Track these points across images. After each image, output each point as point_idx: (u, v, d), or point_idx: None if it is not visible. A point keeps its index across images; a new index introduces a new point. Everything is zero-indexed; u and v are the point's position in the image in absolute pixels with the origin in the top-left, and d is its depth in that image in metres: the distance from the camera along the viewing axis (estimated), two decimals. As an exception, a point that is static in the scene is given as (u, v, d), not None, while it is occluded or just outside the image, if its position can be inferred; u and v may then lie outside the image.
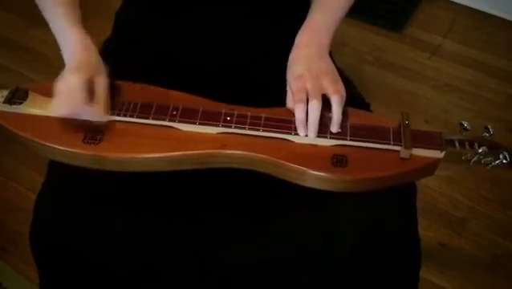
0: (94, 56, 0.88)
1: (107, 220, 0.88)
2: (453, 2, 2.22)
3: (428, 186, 1.58)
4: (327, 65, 0.88)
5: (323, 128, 0.84)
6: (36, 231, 0.91)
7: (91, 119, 0.83)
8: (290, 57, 0.89)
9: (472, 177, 1.62)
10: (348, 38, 2.03)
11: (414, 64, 1.99)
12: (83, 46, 0.88)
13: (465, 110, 1.84)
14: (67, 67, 0.85)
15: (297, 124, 0.83)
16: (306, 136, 0.83)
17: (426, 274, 1.37)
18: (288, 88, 0.88)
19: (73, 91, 0.81)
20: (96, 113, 0.83)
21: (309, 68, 0.85)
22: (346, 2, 0.95)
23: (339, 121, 0.83)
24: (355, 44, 2.03)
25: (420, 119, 1.78)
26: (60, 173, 0.89)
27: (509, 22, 2.15)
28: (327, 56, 0.90)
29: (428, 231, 1.50)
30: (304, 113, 0.82)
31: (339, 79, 0.86)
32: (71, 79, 0.82)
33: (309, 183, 0.81)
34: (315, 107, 0.81)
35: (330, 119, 0.84)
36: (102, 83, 0.85)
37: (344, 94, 0.84)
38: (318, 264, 0.88)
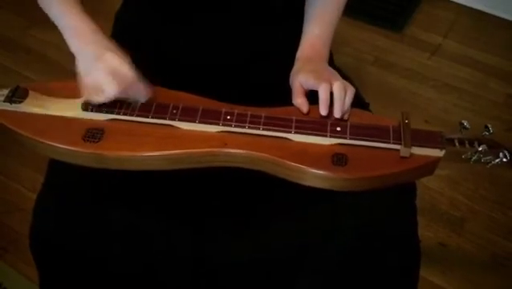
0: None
1: (107, 220, 0.88)
2: (453, 2, 2.22)
3: (428, 186, 1.58)
4: (334, 71, 0.91)
5: (323, 127, 0.84)
6: (36, 231, 0.91)
7: (140, 98, 0.85)
8: (295, 69, 0.92)
9: (471, 177, 1.62)
10: (348, 38, 2.02)
11: (414, 64, 1.99)
12: (97, 26, 0.88)
13: (464, 110, 1.84)
14: (99, 47, 0.84)
15: (321, 104, 0.85)
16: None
17: (426, 274, 1.37)
18: (295, 84, 0.89)
19: (123, 70, 0.82)
20: (144, 91, 0.84)
21: (320, 76, 0.88)
22: (339, 13, 0.99)
23: (348, 108, 0.86)
24: (355, 44, 2.03)
25: (420, 118, 1.78)
26: (60, 174, 0.89)
27: (510, 22, 2.15)
28: (329, 66, 0.94)
29: (428, 231, 1.49)
30: (328, 92, 0.84)
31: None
32: (115, 58, 0.82)
33: (309, 182, 0.81)
34: (340, 88, 0.84)
35: (329, 117, 0.85)
36: (130, 62, 0.85)
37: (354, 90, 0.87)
38: (319, 262, 0.88)
